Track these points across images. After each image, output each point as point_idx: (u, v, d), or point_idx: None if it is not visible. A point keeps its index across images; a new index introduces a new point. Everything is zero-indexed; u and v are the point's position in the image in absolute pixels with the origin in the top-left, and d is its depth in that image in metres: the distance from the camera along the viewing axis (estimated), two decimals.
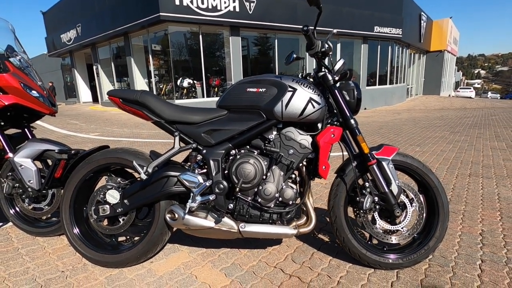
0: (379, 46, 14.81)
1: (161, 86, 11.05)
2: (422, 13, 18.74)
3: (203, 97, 10.39)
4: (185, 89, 10.30)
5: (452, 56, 27.04)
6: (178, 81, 10.18)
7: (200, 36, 9.83)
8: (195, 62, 10.37)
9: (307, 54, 1.42)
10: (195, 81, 10.42)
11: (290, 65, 10.73)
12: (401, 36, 14.90)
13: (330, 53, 1.42)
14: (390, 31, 14.35)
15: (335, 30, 1.36)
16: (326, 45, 1.38)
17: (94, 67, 13.60)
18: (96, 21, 11.67)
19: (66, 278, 1.47)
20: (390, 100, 15.80)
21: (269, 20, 10.32)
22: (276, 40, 11.41)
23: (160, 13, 8.50)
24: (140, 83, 11.55)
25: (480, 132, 6.06)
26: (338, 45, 13.10)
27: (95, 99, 15.33)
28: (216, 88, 10.65)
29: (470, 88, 28.82)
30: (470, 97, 25.28)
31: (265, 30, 10.88)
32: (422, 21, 18.84)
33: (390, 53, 15.71)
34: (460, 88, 30.21)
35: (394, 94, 16.38)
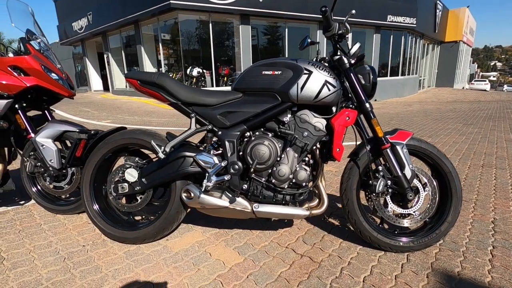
0: (391, 36, 14.43)
1: (170, 75, 11.08)
2: (438, 1, 18.11)
3: (212, 86, 10.40)
4: (195, 78, 10.31)
5: (467, 47, 26.17)
6: (188, 70, 10.19)
7: (210, 25, 9.76)
8: (204, 51, 10.33)
9: (324, 37, 1.41)
10: (204, 70, 10.41)
11: (303, 52, 10.61)
12: (415, 25, 14.47)
13: (347, 35, 1.41)
14: (404, 20, 13.94)
15: (353, 11, 1.35)
16: (344, 27, 1.37)
17: (105, 56, 13.69)
18: (106, 9, 11.68)
19: (87, 251, 1.54)
20: (401, 91, 15.49)
21: (280, 8, 10.15)
22: (286, 29, 11.25)
23: (171, 1, 8.46)
24: None
25: (494, 125, 5.93)
26: (350, 35, 12.80)
27: (105, 88, 15.49)
28: (225, 78, 10.63)
29: (485, 81, 27.92)
30: (485, 90, 24.56)
31: (275, 18, 10.72)
32: (437, 10, 18.21)
33: (403, 44, 15.30)
34: (475, 81, 29.32)
35: (405, 86, 16.04)
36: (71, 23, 14.22)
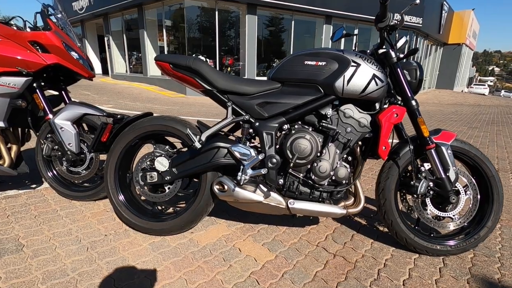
0: (396, 35, 14.32)
1: None
2: (445, 2, 17.99)
3: None
4: None
5: (469, 50, 26.23)
6: None
7: (216, 13, 9.54)
8: (209, 39, 10.13)
9: (376, 27, 1.34)
10: (207, 59, 10.22)
11: (309, 45, 10.42)
12: (421, 25, 14.38)
13: (398, 28, 1.34)
14: (410, 19, 13.84)
15: (417, 0, 1.27)
16: (398, 18, 1.30)
17: (106, 39, 13.34)
18: None
19: (110, 241, 1.47)
20: None
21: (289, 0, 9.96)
22: (293, 22, 11.07)
23: None
24: (152, 58, 11.35)
25: (499, 129, 5.96)
26: (356, 31, 12.69)
27: (105, 72, 15.16)
28: (229, 68, 10.46)
29: (484, 85, 28.07)
30: (484, 94, 24.72)
31: (283, 10, 10.53)
32: (443, 11, 18.12)
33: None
34: (474, 84, 29.47)
35: None
36: (71, 2, 13.77)
